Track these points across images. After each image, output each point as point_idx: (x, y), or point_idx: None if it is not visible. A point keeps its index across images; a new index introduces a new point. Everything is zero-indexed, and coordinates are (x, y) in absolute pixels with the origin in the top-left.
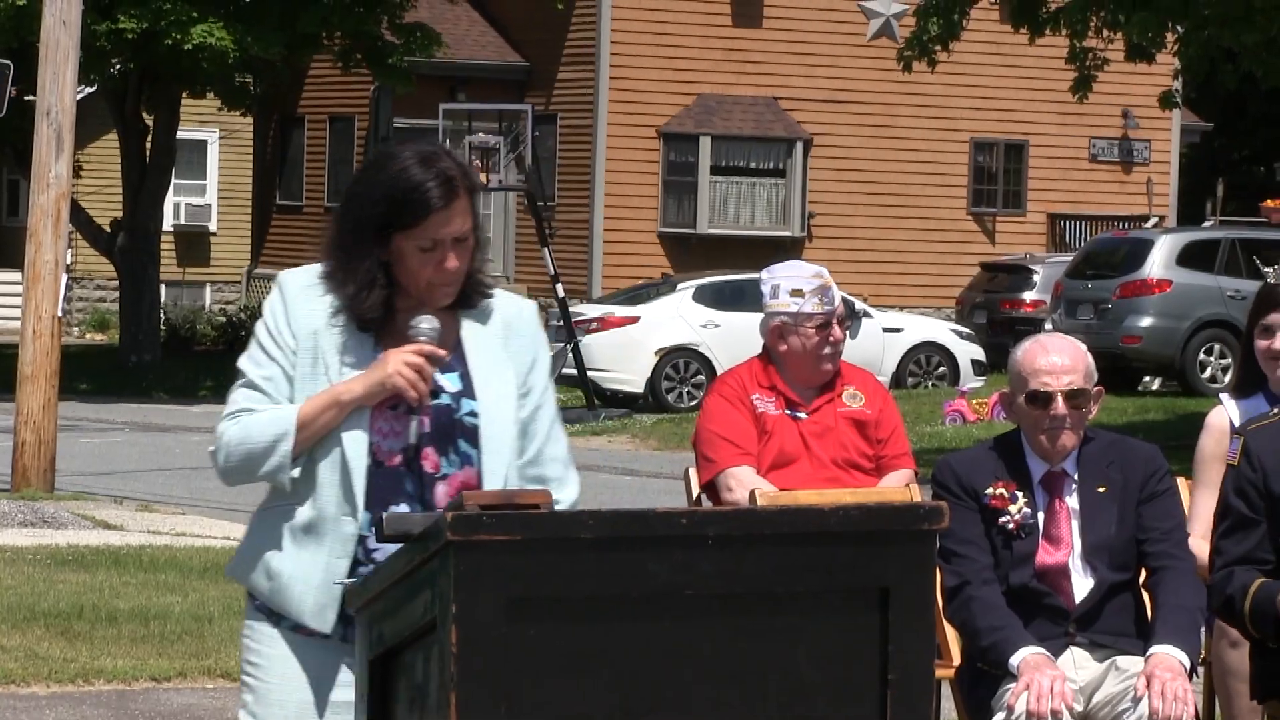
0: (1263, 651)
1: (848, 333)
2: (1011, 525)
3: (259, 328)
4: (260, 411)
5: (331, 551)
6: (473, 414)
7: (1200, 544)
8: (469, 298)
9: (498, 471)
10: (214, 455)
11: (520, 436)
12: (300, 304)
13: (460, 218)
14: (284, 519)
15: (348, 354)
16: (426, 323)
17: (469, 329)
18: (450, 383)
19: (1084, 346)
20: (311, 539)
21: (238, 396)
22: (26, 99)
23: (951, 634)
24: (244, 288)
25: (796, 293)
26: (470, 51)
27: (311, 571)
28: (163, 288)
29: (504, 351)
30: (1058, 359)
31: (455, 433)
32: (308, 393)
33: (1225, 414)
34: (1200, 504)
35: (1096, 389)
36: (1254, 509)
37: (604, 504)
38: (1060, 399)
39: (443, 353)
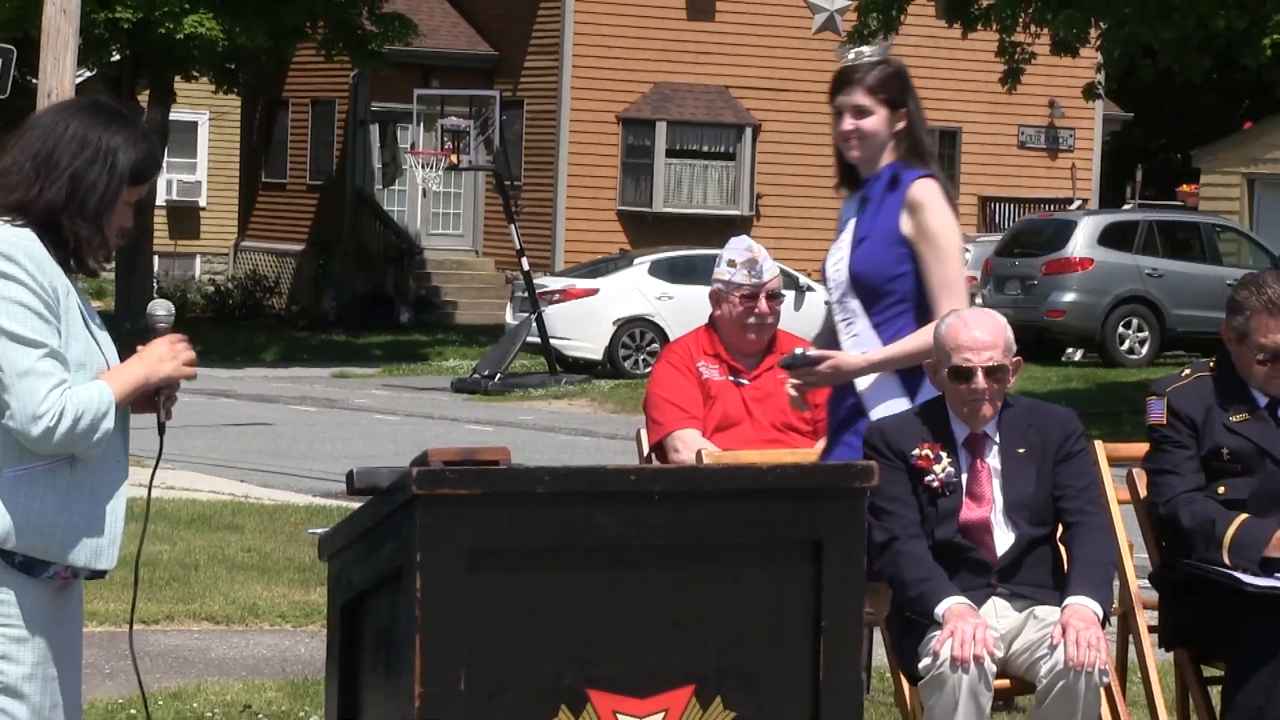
0: (1170, 603)
1: (781, 307)
2: (936, 484)
3: (22, 294)
4: (79, 386)
5: (108, 498)
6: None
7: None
8: None
9: None
10: (52, 427)
11: None
12: (48, 266)
13: None
14: (55, 478)
15: (89, 310)
16: (164, 309)
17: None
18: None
19: (1003, 320)
20: (89, 491)
21: (47, 366)
22: (30, 81)
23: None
24: (231, 259)
25: (731, 263)
26: (443, 41)
27: (96, 518)
28: (156, 259)
29: None
30: (979, 334)
31: None
32: (70, 352)
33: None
34: None
35: (1015, 359)
36: (1195, 456)
37: (563, 462)
38: (980, 374)
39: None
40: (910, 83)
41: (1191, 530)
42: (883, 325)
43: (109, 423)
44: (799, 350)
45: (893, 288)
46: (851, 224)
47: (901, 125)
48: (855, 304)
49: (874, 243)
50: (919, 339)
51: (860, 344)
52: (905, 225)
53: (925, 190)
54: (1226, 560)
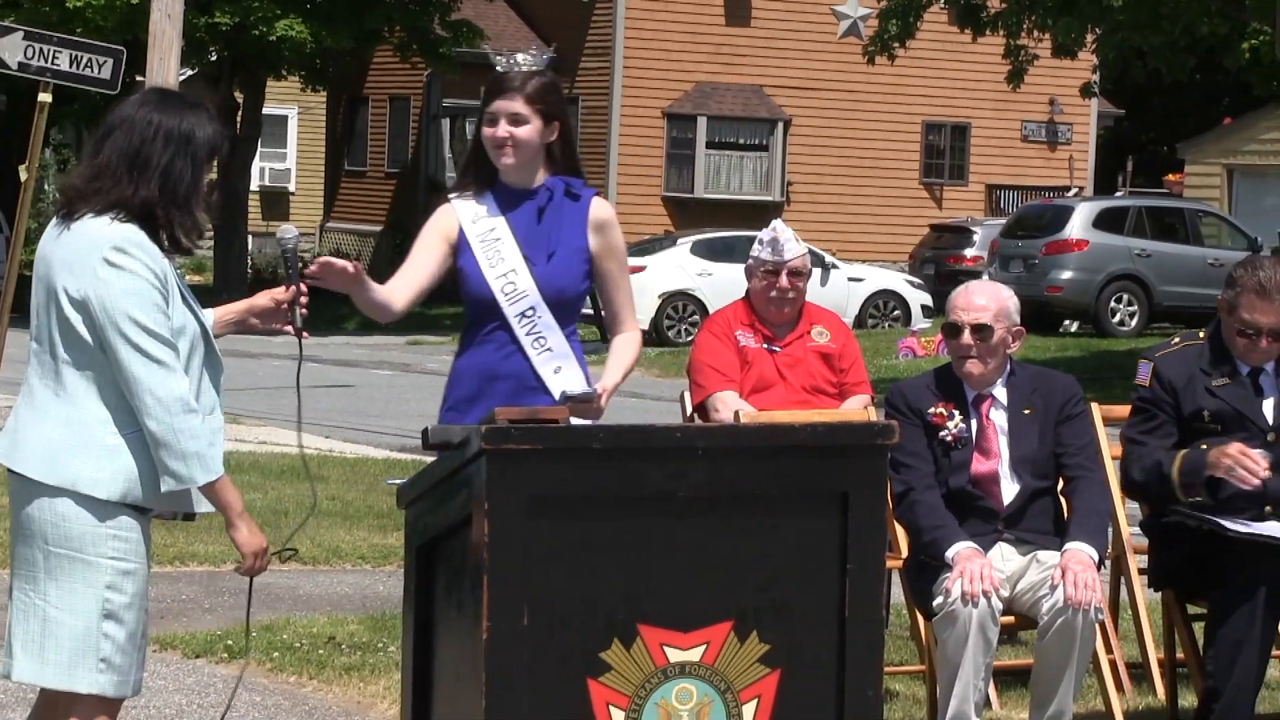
0: (1158, 549)
1: (805, 283)
2: (950, 439)
3: (140, 285)
4: (209, 438)
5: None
6: None
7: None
8: None
9: None
10: (192, 409)
11: None
12: (155, 253)
13: None
14: None
15: (183, 283)
16: (291, 231)
17: None
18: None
19: (1007, 292)
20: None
21: (165, 355)
22: (138, 79)
23: (900, 531)
24: (317, 238)
25: (760, 242)
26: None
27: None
28: (250, 238)
29: None
30: (975, 299)
31: None
32: (173, 321)
33: (454, 209)
34: (408, 262)
35: (1017, 329)
36: (1169, 420)
37: (613, 422)
38: (966, 331)
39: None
40: (563, 97)
41: (1145, 483)
42: (571, 339)
43: (193, 471)
44: (591, 388)
45: (579, 304)
46: (502, 231)
47: (554, 138)
48: (549, 318)
49: (566, 257)
50: (630, 355)
51: (554, 359)
52: (594, 242)
53: (608, 209)
54: (1180, 495)
